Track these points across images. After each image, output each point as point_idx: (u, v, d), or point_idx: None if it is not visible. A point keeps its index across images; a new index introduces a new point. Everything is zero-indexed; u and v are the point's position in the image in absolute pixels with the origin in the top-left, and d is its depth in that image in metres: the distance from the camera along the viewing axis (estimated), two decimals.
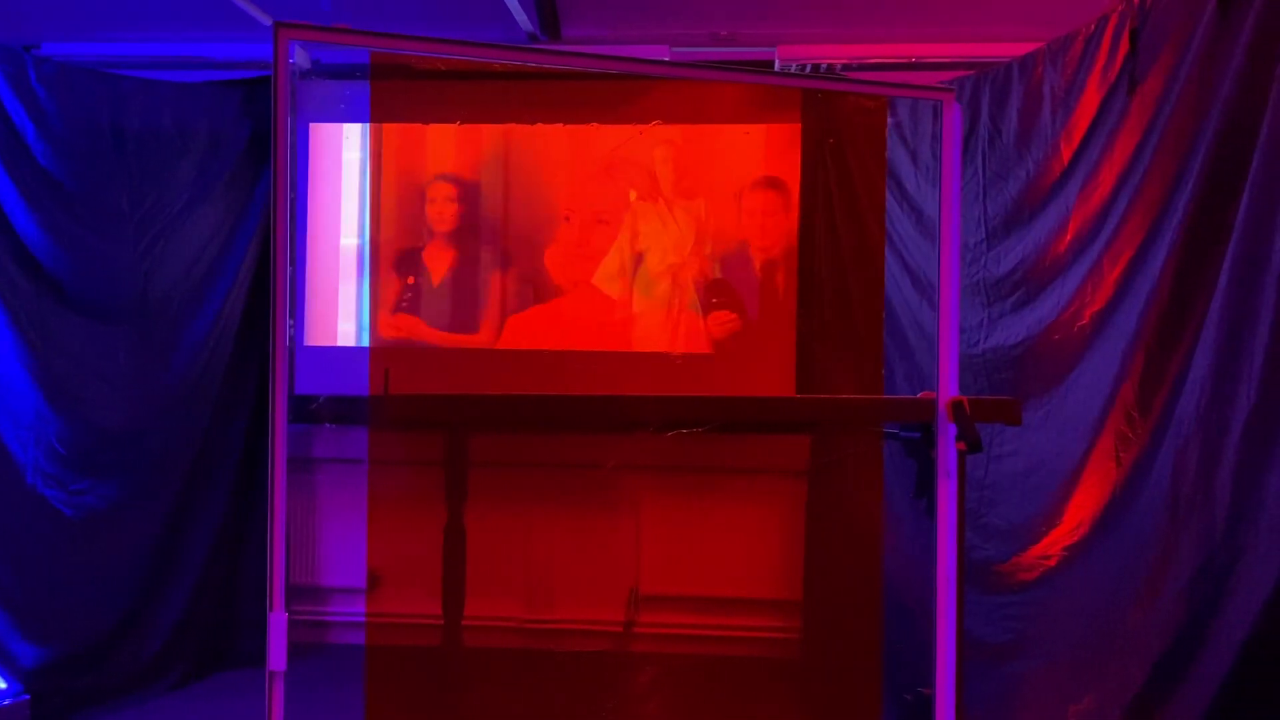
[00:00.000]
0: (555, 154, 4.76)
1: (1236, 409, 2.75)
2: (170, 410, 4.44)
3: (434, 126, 4.78)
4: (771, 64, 4.54)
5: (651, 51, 4.58)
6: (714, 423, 2.52)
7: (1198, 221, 2.92)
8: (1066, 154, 3.43)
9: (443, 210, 4.72)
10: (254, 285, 4.72)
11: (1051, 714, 3.22)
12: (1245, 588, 2.71)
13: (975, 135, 3.82)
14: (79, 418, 4.17)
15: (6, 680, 3.89)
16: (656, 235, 4.74)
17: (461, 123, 4.82)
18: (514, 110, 4.79)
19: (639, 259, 4.72)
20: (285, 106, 1.54)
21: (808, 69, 4.52)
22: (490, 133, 4.77)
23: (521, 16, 4.27)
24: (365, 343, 4.89)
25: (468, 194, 4.73)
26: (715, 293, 4.67)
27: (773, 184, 4.66)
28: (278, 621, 1.62)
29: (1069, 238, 3.41)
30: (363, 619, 4.94)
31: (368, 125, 4.92)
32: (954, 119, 1.93)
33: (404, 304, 4.72)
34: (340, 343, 4.90)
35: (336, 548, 4.97)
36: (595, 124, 4.77)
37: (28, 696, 3.86)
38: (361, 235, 4.77)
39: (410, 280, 4.70)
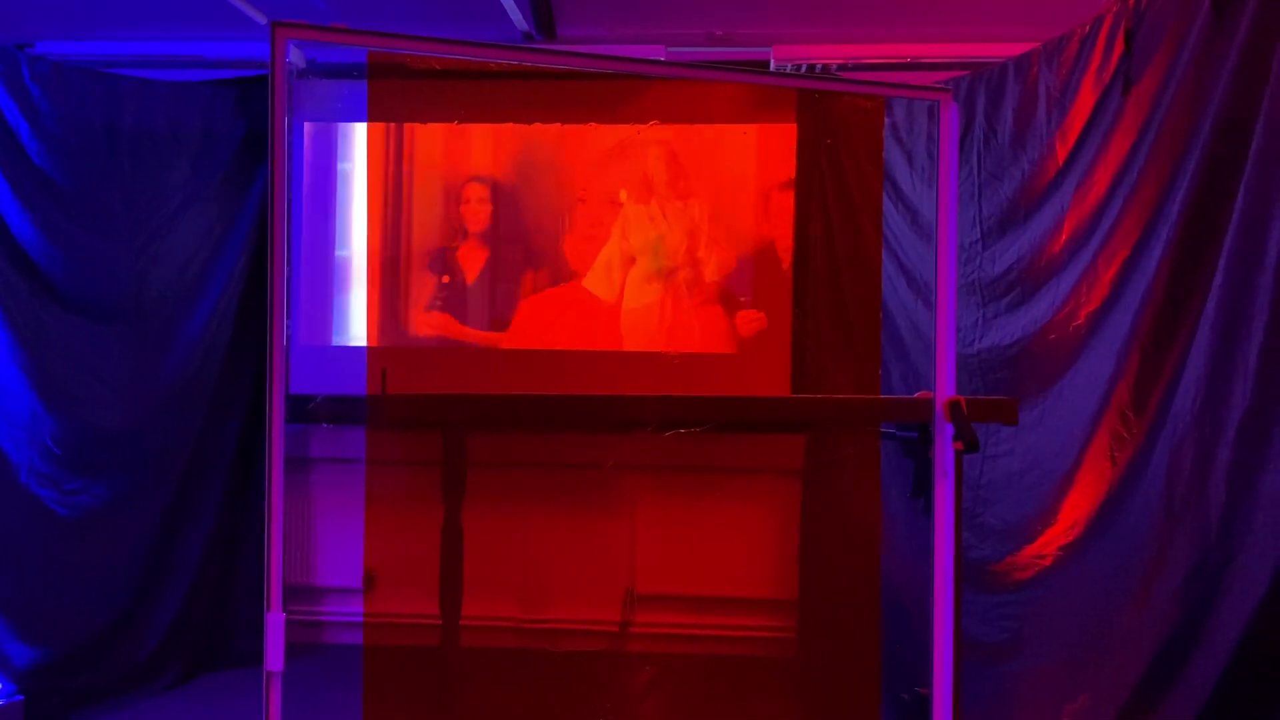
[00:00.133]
0: (582, 152, 4.79)
1: (1231, 409, 2.75)
2: (165, 410, 4.44)
3: (466, 127, 4.82)
4: (767, 64, 4.54)
5: (647, 51, 4.58)
6: (713, 422, 2.53)
7: (1193, 221, 2.92)
8: (1062, 154, 3.44)
9: (476, 211, 4.76)
10: (248, 284, 4.72)
11: (1047, 713, 3.22)
12: (1240, 587, 2.72)
13: (970, 135, 3.82)
14: (74, 417, 4.16)
15: (1, 681, 3.88)
16: (647, 237, 4.75)
17: (460, 122, 4.82)
18: (511, 110, 4.79)
19: (629, 261, 4.73)
20: (283, 106, 1.54)
21: (803, 69, 4.52)
22: (520, 133, 4.81)
23: (517, 16, 4.27)
24: (365, 342, 4.91)
25: (500, 195, 4.77)
26: (742, 291, 4.70)
27: None
28: (275, 622, 1.62)
29: (1064, 238, 3.42)
30: (358, 619, 4.94)
31: (364, 126, 4.92)
32: (951, 119, 1.93)
33: (438, 302, 4.76)
34: (350, 343, 4.92)
35: (332, 548, 4.96)
36: (593, 124, 4.78)
37: (22, 697, 3.85)
38: (389, 235, 4.79)
39: (444, 279, 4.74)
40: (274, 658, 1.61)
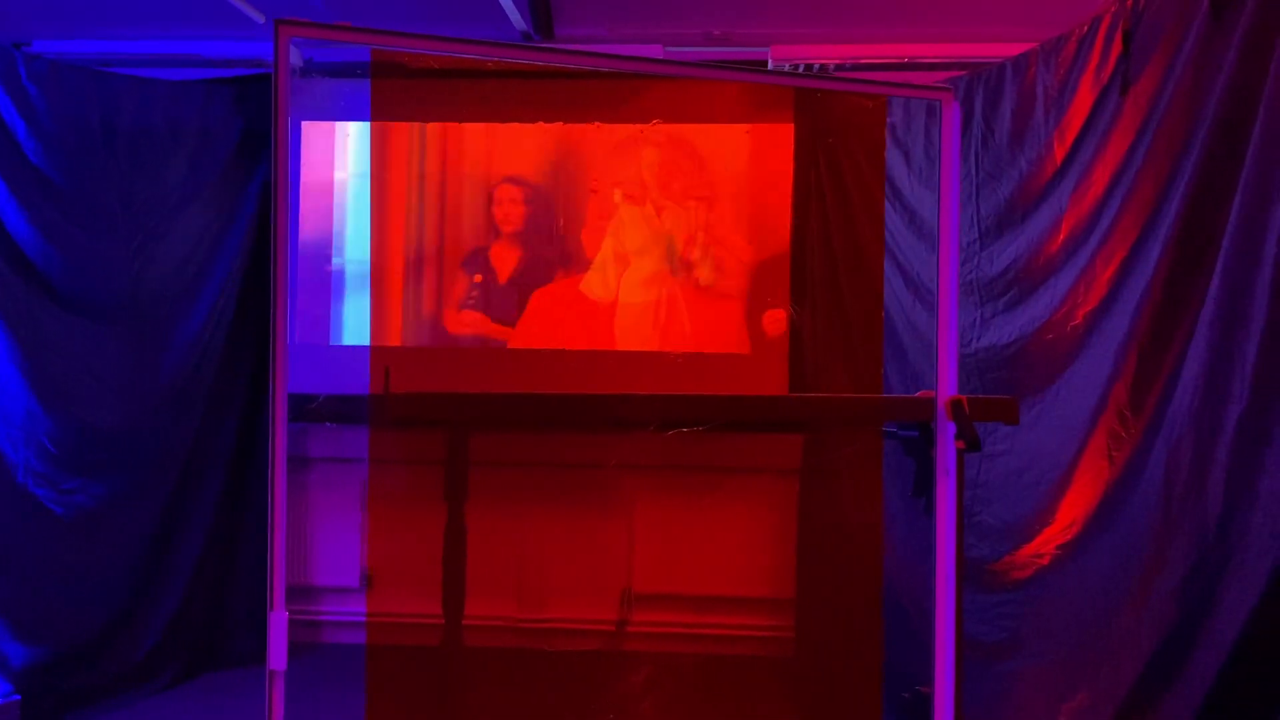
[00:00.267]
0: (599, 146, 4.82)
1: (1229, 409, 2.76)
2: (162, 409, 4.43)
3: (497, 127, 4.86)
4: (765, 64, 4.54)
5: (645, 52, 4.58)
6: (716, 421, 2.52)
7: (1190, 222, 2.93)
8: (1060, 154, 3.44)
9: (509, 211, 4.80)
10: (246, 283, 4.71)
11: (1045, 712, 3.23)
12: (1237, 587, 2.72)
13: (968, 135, 3.82)
14: (70, 416, 4.15)
15: None
16: (642, 240, 4.76)
17: (461, 121, 4.83)
18: (514, 109, 4.80)
19: (624, 263, 4.75)
20: (286, 104, 1.54)
21: (800, 69, 4.52)
22: (552, 134, 4.83)
23: (515, 16, 4.27)
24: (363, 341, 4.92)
25: (533, 195, 4.80)
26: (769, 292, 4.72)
27: None
28: (278, 621, 1.62)
29: (1062, 237, 3.42)
30: (354, 618, 4.93)
31: (356, 125, 4.92)
32: (953, 118, 1.93)
33: (471, 301, 4.79)
34: (344, 342, 4.92)
35: (329, 547, 4.95)
36: (598, 123, 4.80)
37: (18, 697, 3.85)
38: (412, 235, 4.80)
39: (478, 278, 4.79)
40: (277, 656, 1.60)
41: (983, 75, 3.80)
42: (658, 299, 4.75)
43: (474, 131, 4.85)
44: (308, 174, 4.87)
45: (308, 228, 4.86)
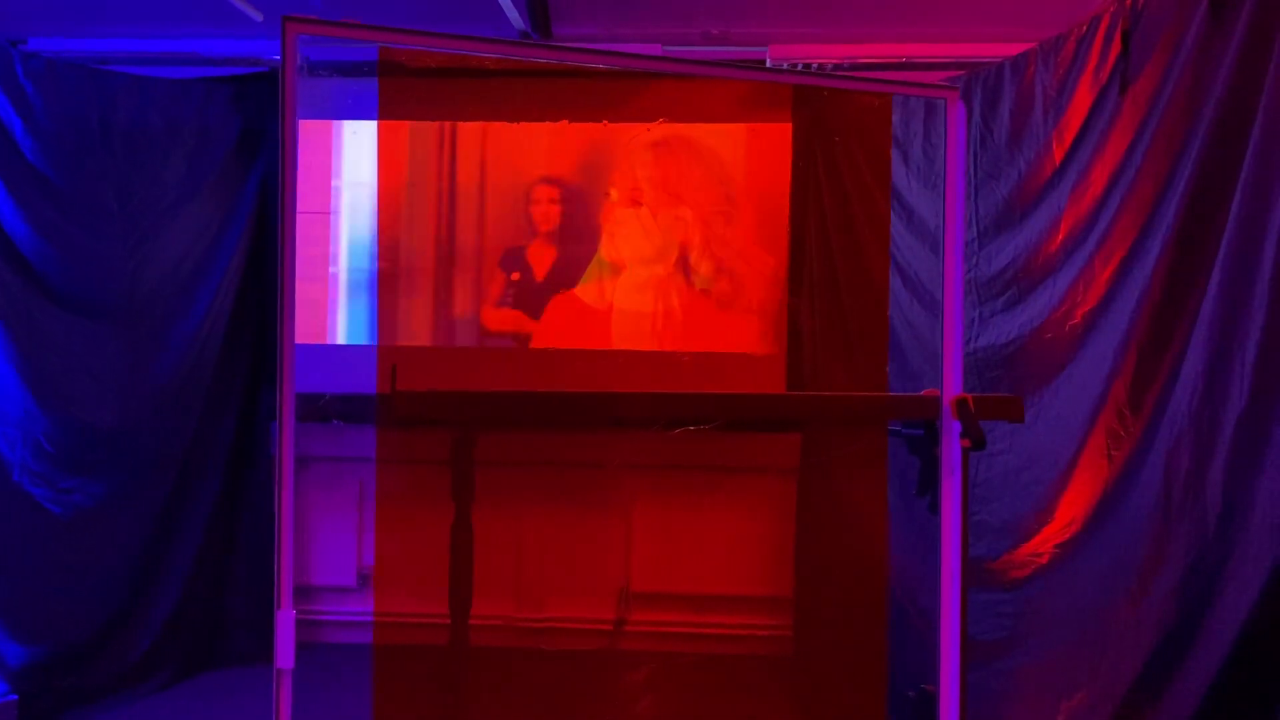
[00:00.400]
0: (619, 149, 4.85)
1: (1228, 408, 2.76)
2: (159, 408, 4.42)
3: (536, 127, 4.89)
4: (763, 64, 4.54)
5: (644, 51, 4.57)
6: (722, 420, 2.52)
7: (1190, 221, 2.93)
8: (1058, 154, 3.44)
9: (547, 211, 4.84)
10: (243, 282, 4.72)
11: (1044, 710, 3.23)
12: (1236, 586, 2.73)
13: (967, 135, 3.83)
14: (67, 415, 4.14)
15: None
16: (636, 242, 4.77)
17: (461, 120, 4.83)
18: (515, 108, 4.81)
19: (618, 268, 4.76)
20: (294, 101, 1.53)
21: (799, 69, 4.52)
22: (585, 133, 4.87)
23: (513, 14, 4.26)
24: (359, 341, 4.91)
25: (570, 195, 4.84)
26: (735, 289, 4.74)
27: None
28: (285, 619, 1.61)
29: (1061, 237, 3.43)
30: (352, 618, 4.93)
31: (349, 123, 4.92)
32: (958, 117, 1.93)
33: (508, 299, 4.83)
34: (339, 341, 4.92)
35: (325, 546, 4.95)
36: (605, 122, 4.82)
37: (15, 697, 3.84)
38: (444, 235, 4.82)
39: (515, 277, 4.82)
40: (284, 655, 1.60)
41: (981, 75, 3.81)
42: (654, 304, 4.76)
43: (509, 131, 4.87)
44: (302, 172, 4.85)
45: (302, 225, 4.85)
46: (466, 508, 2.11)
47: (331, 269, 4.92)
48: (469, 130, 4.85)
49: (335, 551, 4.93)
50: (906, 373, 4.07)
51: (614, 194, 4.83)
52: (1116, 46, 3.23)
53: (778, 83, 4.70)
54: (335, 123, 4.90)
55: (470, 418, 2.18)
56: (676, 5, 4.36)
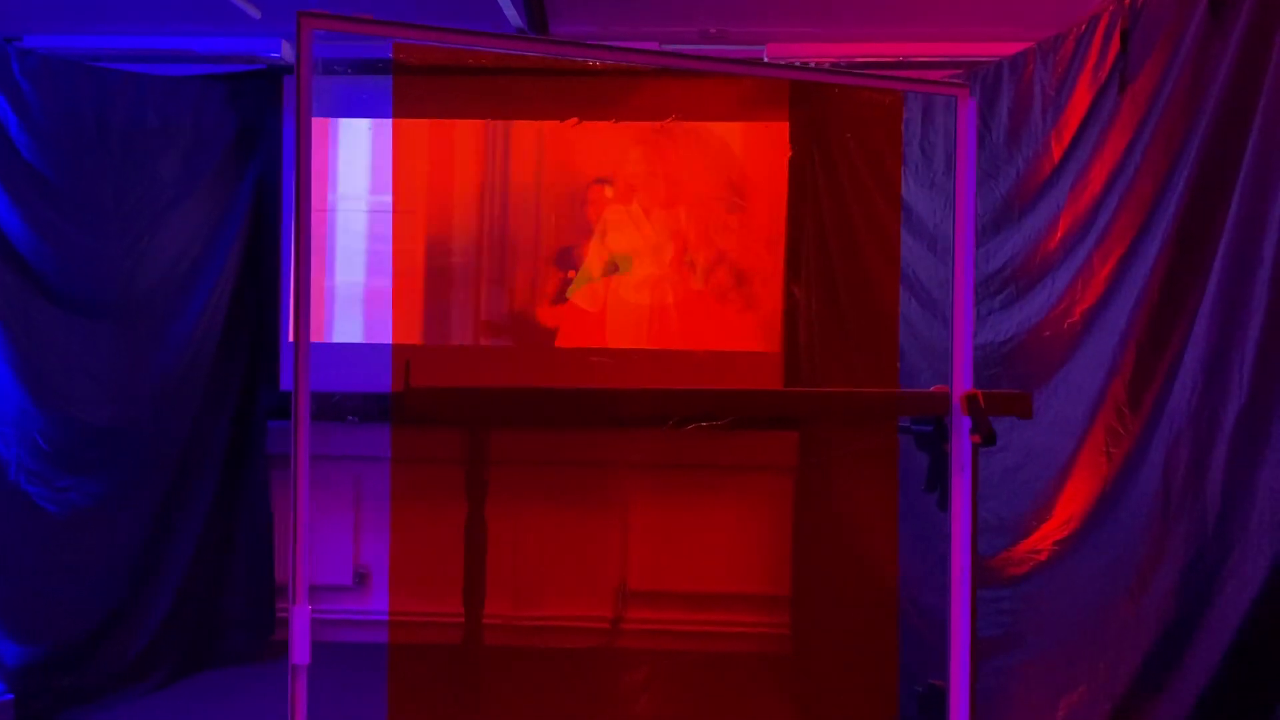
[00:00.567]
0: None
1: (1228, 405, 2.78)
2: (156, 407, 4.41)
3: (587, 128, 4.90)
4: (760, 62, 4.54)
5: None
6: (736, 416, 2.53)
7: (1189, 220, 2.94)
8: (1057, 152, 3.46)
9: (601, 211, 4.84)
10: (239, 281, 4.71)
11: (1043, 706, 3.24)
12: (1235, 583, 2.74)
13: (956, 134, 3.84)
14: (63, 414, 4.13)
15: None
16: (631, 242, 4.77)
17: (469, 118, 4.83)
18: (525, 106, 4.82)
19: (611, 269, 4.77)
20: (308, 97, 1.53)
21: (799, 67, 4.53)
22: (630, 133, 4.88)
23: (511, 13, 4.25)
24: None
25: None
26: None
27: None
28: (301, 615, 1.61)
29: (1059, 235, 3.44)
30: (347, 616, 4.92)
31: (344, 121, 4.91)
32: (969, 114, 1.94)
33: (564, 296, 4.87)
34: (334, 339, 4.92)
35: (321, 545, 4.94)
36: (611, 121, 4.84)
37: (12, 696, 3.83)
38: (495, 233, 4.83)
39: (570, 274, 4.84)
40: (300, 651, 1.60)
41: (979, 74, 3.82)
42: (650, 302, 4.77)
43: (562, 132, 4.90)
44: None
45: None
46: (480, 505, 2.11)
47: (327, 266, 4.92)
48: (560, 131, 4.86)
49: (331, 550, 4.92)
50: (905, 370, 4.09)
51: (608, 191, 4.84)
52: (1115, 46, 3.24)
53: (776, 81, 4.70)
54: (330, 121, 4.89)
55: (485, 415, 2.17)
56: (673, 3, 4.36)
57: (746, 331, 4.76)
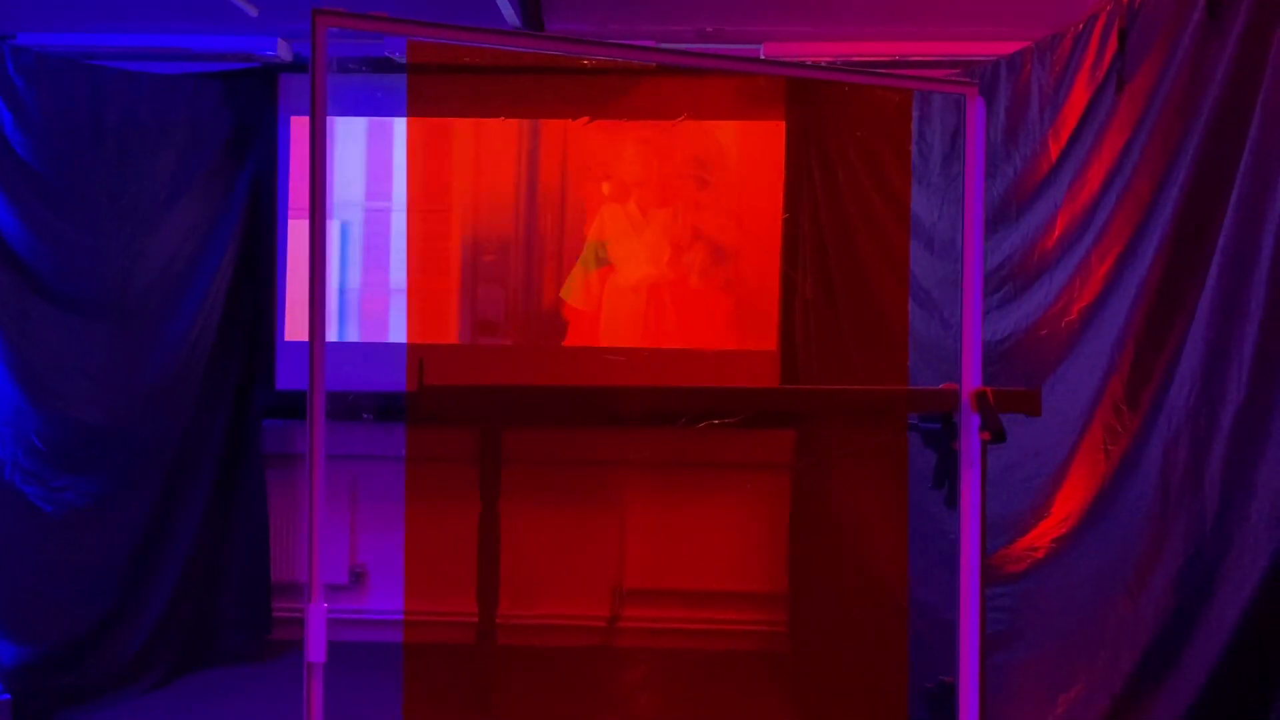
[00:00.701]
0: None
1: (1226, 402, 2.79)
2: (151, 406, 4.39)
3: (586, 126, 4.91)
4: (778, 61, 4.53)
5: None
6: (747, 413, 2.54)
7: (1187, 218, 2.96)
8: (1055, 151, 3.47)
9: (597, 208, 4.85)
10: (235, 279, 4.70)
11: (1042, 702, 3.26)
12: (1234, 579, 2.75)
13: (961, 132, 3.85)
14: (59, 413, 4.12)
15: None
16: (626, 241, 4.77)
17: (481, 117, 4.85)
18: (537, 106, 4.83)
19: (606, 268, 4.77)
20: (323, 95, 1.53)
21: (809, 65, 4.52)
22: (668, 132, 4.87)
23: (507, 10, 4.25)
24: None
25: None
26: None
27: None
28: (317, 612, 1.62)
29: (1057, 234, 3.46)
30: (343, 615, 4.91)
31: (338, 120, 4.91)
32: (978, 112, 1.95)
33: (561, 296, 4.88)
34: (331, 338, 4.90)
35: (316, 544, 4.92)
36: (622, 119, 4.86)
37: (9, 696, 3.81)
38: (528, 228, 4.84)
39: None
40: (316, 649, 1.60)
41: (976, 73, 3.83)
42: (646, 300, 4.77)
43: (570, 131, 4.91)
44: (294, 169, 4.85)
45: (299, 218, 4.84)
46: (494, 504, 2.11)
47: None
48: (584, 130, 4.86)
49: (327, 550, 4.89)
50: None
51: (605, 188, 4.84)
52: (1113, 45, 3.26)
53: (773, 80, 4.70)
54: (327, 119, 4.87)
55: (500, 414, 2.17)
56: (669, 2, 4.36)
57: (743, 330, 4.77)
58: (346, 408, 4.53)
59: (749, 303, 4.77)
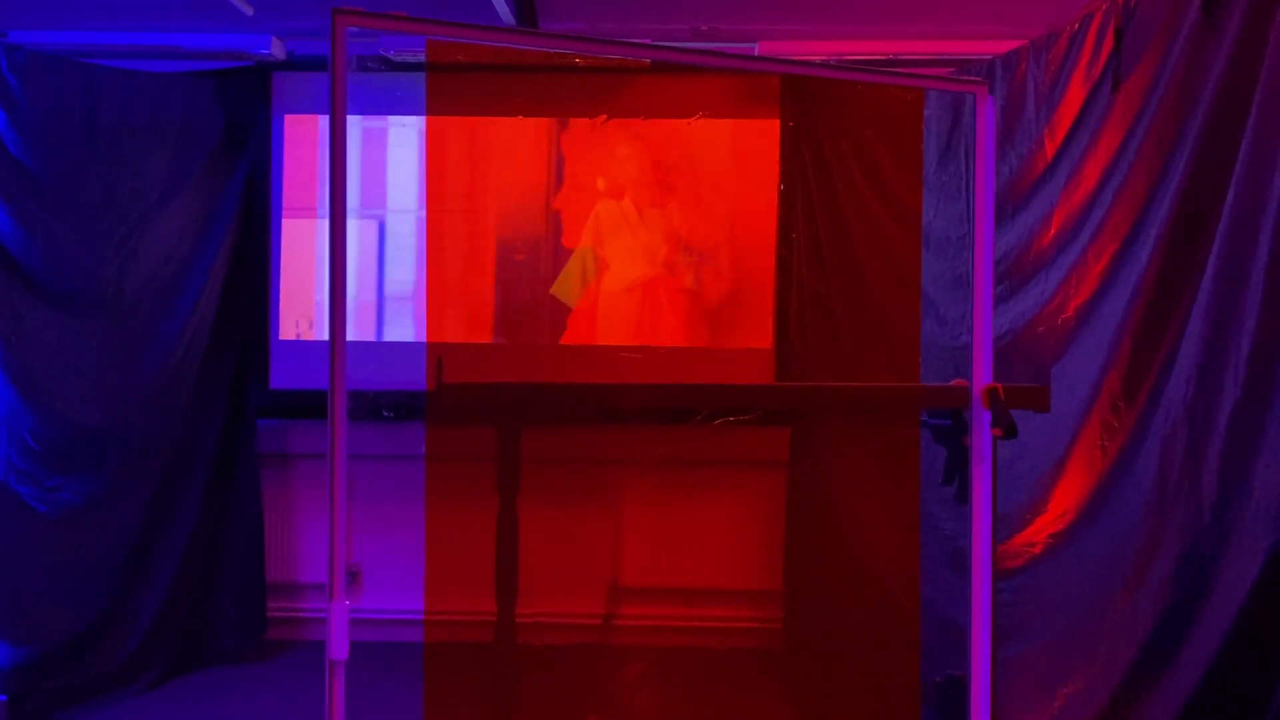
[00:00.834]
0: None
1: (1223, 398, 2.81)
2: (146, 405, 4.38)
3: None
4: (783, 59, 4.53)
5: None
6: (761, 410, 2.54)
7: (1184, 215, 2.98)
8: (1050, 149, 3.49)
9: (593, 204, 4.84)
10: (229, 278, 4.68)
11: (1041, 696, 3.28)
12: (1232, 573, 2.78)
13: (957, 131, 3.88)
14: (53, 413, 4.10)
15: None
16: (623, 240, 4.78)
17: (492, 115, 4.85)
18: (551, 105, 4.84)
19: (604, 266, 4.78)
20: (343, 95, 1.53)
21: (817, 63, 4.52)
22: (691, 132, 4.87)
23: (503, 9, 4.25)
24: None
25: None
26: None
27: None
28: (339, 610, 1.62)
29: (1053, 232, 3.48)
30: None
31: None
32: (988, 111, 1.97)
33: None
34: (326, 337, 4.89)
35: (312, 543, 4.93)
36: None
37: (4, 698, 3.80)
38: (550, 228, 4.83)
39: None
40: (338, 647, 1.61)
41: (971, 71, 3.85)
42: (642, 299, 4.78)
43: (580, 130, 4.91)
44: (290, 165, 4.84)
45: (293, 217, 4.84)
46: (512, 501, 2.11)
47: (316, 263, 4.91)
48: (518, 126, 4.86)
49: (322, 549, 4.88)
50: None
51: (600, 183, 4.84)
52: (1109, 44, 3.27)
53: (768, 78, 4.71)
54: (321, 117, 4.87)
55: (520, 411, 2.18)
56: (663, 1, 4.36)
57: (737, 327, 4.78)
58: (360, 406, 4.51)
59: (743, 300, 4.78)
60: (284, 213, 4.82)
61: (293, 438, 4.92)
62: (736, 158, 4.82)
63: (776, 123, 4.74)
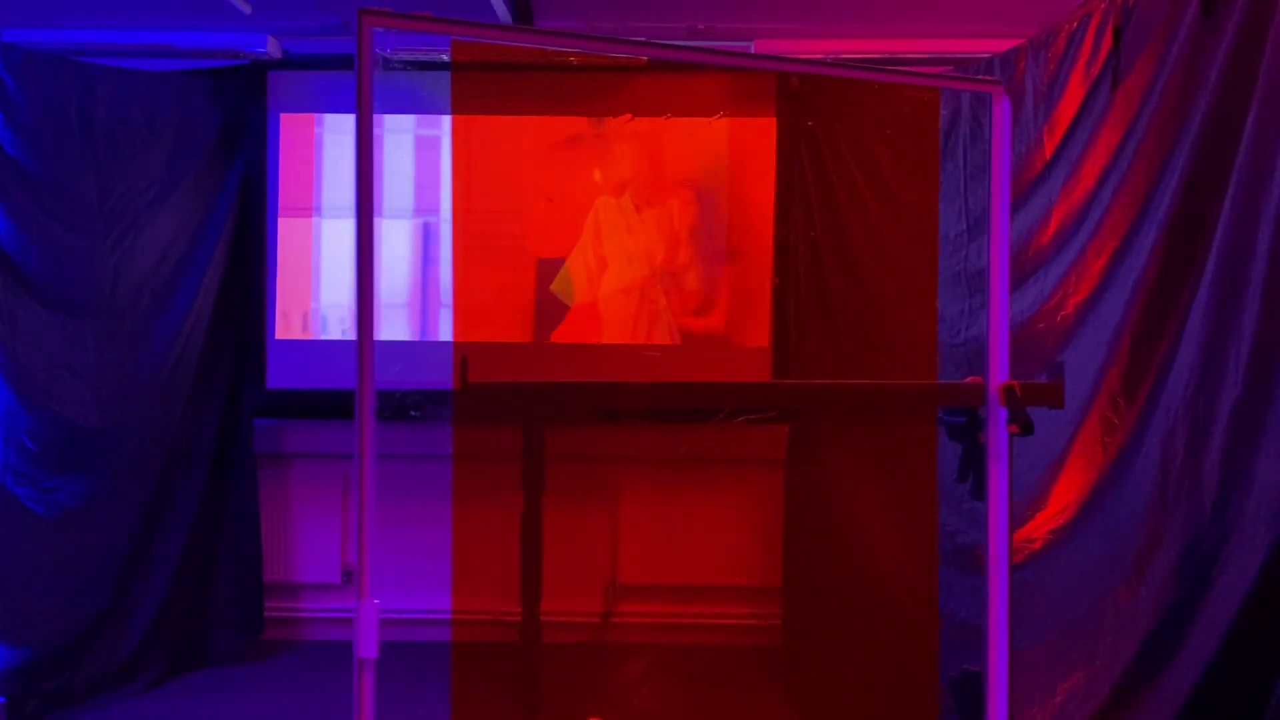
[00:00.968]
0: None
1: (1223, 395, 2.82)
2: (142, 405, 4.37)
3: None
4: (791, 58, 4.54)
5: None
6: (778, 408, 2.53)
7: (1182, 214, 2.99)
8: (1049, 148, 3.51)
9: (593, 201, 4.87)
10: (225, 278, 4.68)
11: (1041, 692, 3.30)
12: (1233, 570, 2.79)
13: (956, 130, 3.89)
14: (50, 413, 4.09)
15: None
16: (620, 240, 4.78)
17: (472, 115, 4.83)
18: (577, 104, 4.85)
19: (603, 265, 4.78)
20: (369, 95, 1.53)
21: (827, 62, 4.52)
22: (722, 130, 4.87)
23: (501, 8, 4.24)
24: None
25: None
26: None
27: None
28: (368, 609, 1.62)
29: (1052, 230, 3.49)
30: (335, 614, 4.89)
31: (331, 117, 4.88)
32: (1004, 110, 1.98)
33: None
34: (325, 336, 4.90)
35: (309, 543, 4.92)
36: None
37: (2, 699, 3.78)
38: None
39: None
40: (367, 645, 1.61)
41: (970, 70, 3.87)
42: (640, 298, 4.78)
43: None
44: (286, 164, 4.82)
45: (289, 216, 4.82)
46: (537, 500, 2.12)
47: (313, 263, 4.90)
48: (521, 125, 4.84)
49: (319, 548, 4.90)
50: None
51: (598, 176, 4.84)
52: (1108, 43, 3.29)
53: (770, 76, 4.71)
54: (317, 116, 4.86)
55: (545, 410, 2.18)
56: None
57: (736, 325, 4.79)
58: (337, 406, 4.51)
59: (741, 298, 4.79)
60: (280, 212, 4.81)
61: (289, 437, 4.91)
62: (735, 156, 4.82)
63: (773, 120, 4.75)
